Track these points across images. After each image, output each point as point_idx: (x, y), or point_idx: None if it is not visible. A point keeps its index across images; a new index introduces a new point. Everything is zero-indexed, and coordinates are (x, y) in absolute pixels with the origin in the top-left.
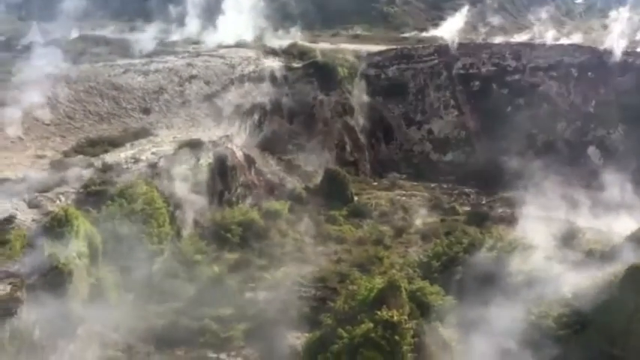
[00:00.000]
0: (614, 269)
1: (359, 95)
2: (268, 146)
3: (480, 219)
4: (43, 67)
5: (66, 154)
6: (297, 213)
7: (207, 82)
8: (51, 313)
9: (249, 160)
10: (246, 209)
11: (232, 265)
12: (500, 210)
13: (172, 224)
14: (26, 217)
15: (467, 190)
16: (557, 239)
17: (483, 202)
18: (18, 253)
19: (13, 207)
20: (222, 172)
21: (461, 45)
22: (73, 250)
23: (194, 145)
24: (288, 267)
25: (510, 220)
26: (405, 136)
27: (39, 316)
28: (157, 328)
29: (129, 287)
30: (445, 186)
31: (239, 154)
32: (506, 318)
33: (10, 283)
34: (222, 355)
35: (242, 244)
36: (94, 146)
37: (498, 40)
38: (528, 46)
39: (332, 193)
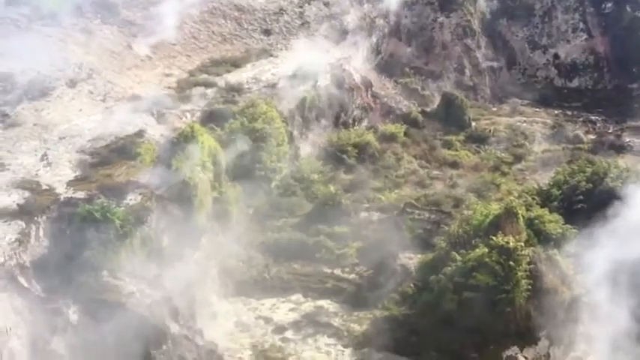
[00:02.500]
0: None
1: (481, 17)
2: (385, 69)
3: (605, 148)
4: None
5: (191, 73)
6: (413, 137)
7: (326, 4)
8: (178, 223)
9: (366, 83)
10: (362, 131)
11: (347, 186)
12: (627, 139)
13: (290, 143)
14: (155, 133)
15: (593, 117)
16: None
17: (610, 130)
18: (148, 166)
19: (143, 122)
20: (339, 94)
21: None
22: (198, 165)
23: (312, 67)
24: (403, 190)
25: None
26: (529, 61)
27: (167, 225)
28: (275, 241)
29: (249, 202)
30: (569, 113)
31: (356, 76)
32: (628, 251)
33: (140, 194)
34: (337, 271)
35: (357, 166)
36: (217, 66)
37: None
38: None
39: (449, 117)
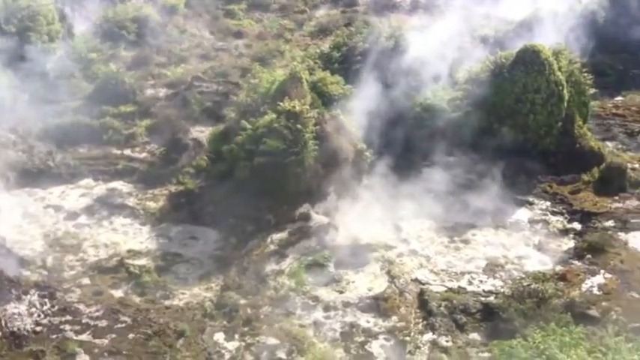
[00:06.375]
0: (506, 53)
1: None
2: None
3: (379, 8)
4: None
5: None
6: (195, 8)
7: None
8: None
9: None
10: (140, 4)
11: (130, 63)
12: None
13: (62, 22)
14: None
15: None
16: (454, 28)
17: None
18: None
19: None
20: None
21: None
22: None
23: None
24: (188, 63)
25: (410, 9)
26: None
27: None
28: (56, 127)
29: (23, 87)
30: None
31: None
32: (402, 102)
33: None
34: (127, 151)
35: (138, 41)
36: None
37: None
38: None
39: None
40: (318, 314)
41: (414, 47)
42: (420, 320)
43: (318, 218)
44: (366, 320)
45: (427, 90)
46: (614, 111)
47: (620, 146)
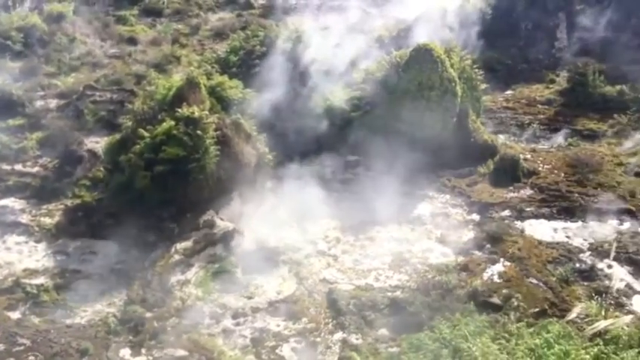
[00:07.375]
0: (400, 52)
1: None
2: None
3: (274, 11)
4: None
5: None
6: (84, 15)
7: None
8: None
9: None
10: (26, 13)
11: (17, 74)
12: (294, 1)
13: None
14: None
15: None
16: (348, 27)
17: None
18: None
19: None
20: None
21: None
22: None
23: None
24: (80, 72)
25: (305, 10)
26: None
27: None
28: None
29: None
30: None
31: None
32: (304, 104)
33: None
34: (17, 166)
35: (25, 52)
36: None
37: None
38: None
39: None
40: (227, 322)
41: (311, 49)
42: (330, 320)
43: (223, 224)
44: (277, 324)
45: (326, 91)
46: (505, 104)
47: (512, 138)
